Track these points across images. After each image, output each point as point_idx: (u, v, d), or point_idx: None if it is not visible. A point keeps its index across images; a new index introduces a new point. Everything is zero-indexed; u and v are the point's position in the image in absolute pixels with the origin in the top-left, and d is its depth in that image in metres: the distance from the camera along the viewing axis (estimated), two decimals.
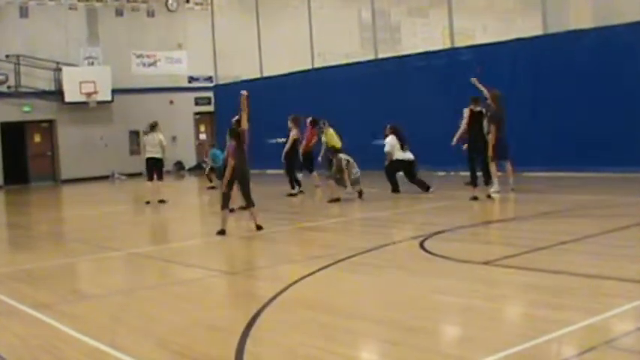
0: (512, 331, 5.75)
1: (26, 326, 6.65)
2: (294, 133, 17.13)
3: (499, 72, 18.19)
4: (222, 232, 11.40)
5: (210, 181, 20.45)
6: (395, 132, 16.05)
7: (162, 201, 17.17)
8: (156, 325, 6.46)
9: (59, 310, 7.12)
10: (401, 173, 16.01)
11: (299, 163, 17.45)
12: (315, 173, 17.84)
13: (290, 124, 17.22)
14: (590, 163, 16.52)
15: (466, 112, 14.50)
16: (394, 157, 15.87)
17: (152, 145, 17.34)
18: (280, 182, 18.21)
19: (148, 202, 17.19)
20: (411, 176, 15.94)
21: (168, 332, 6.16)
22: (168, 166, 29.27)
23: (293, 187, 17.14)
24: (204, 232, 12.11)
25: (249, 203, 11.71)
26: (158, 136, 17.30)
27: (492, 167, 14.52)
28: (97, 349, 5.72)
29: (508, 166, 14.73)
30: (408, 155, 15.93)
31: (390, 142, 15.97)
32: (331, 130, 16.58)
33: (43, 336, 6.27)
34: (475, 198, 13.76)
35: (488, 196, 13.71)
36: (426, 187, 15.63)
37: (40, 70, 27.80)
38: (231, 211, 12.34)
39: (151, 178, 17.42)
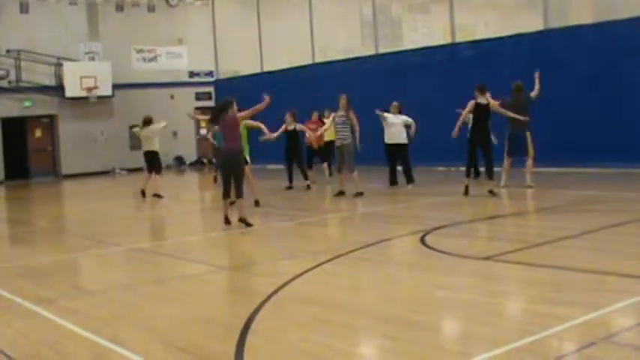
0: (512, 326, 5.76)
1: (27, 321, 6.67)
2: (299, 126, 17.21)
3: (500, 67, 18.21)
4: (226, 222, 11.62)
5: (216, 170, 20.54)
6: (401, 112, 15.93)
7: (157, 195, 17.21)
8: (157, 320, 6.48)
9: (60, 305, 7.14)
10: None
11: (304, 156, 17.60)
12: (325, 165, 18.09)
13: (289, 118, 17.19)
14: (591, 158, 16.53)
15: (470, 104, 14.30)
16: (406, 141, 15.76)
17: (148, 139, 17.51)
18: (280, 177, 18.22)
19: (143, 194, 17.34)
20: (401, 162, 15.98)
21: (169, 327, 6.18)
22: (168, 160, 29.53)
23: (307, 179, 17.24)
24: (204, 227, 12.12)
25: (237, 195, 11.82)
26: (152, 128, 17.53)
27: (504, 162, 14.60)
28: (98, 344, 5.74)
29: (528, 162, 14.58)
30: None
31: (409, 118, 15.75)
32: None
33: (45, 331, 6.29)
34: (466, 188, 13.83)
35: (490, 192, 13.65)
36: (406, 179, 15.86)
37: (41, 65, 27.78)
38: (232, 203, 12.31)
39: (150, 171, 17.62)
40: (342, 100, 14.92)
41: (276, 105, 19.86)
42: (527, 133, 14.36)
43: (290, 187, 17.15)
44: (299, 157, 17.38)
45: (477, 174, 16.16)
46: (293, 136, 17.12)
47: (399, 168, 16.21)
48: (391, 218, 12.39)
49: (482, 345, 5.17)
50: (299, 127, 17.13)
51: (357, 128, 14.75)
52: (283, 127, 16.82)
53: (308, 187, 17.07)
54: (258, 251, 10.34)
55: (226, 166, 11.85)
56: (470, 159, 14.56)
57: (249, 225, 11.56)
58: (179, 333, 5.97)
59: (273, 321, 6.14)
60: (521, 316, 6.13)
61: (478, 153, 14.36)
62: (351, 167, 14.86)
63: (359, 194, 14.76)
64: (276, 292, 7.02)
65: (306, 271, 7.91)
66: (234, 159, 11.70)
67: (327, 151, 18.42)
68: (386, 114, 15.92)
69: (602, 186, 14.65)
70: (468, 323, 5.88)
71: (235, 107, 11.75)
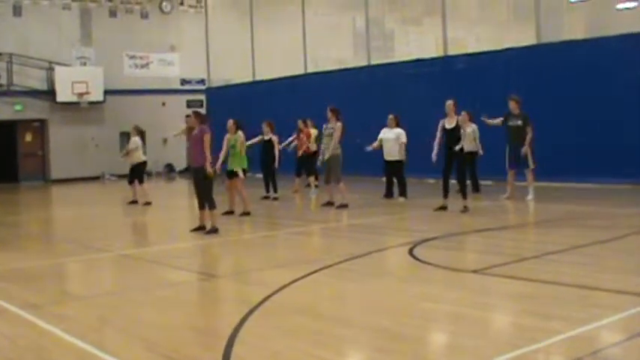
0: (499, 339, 5.77)
1: (14, 326, 6.64)
2: (275, 137, 17.02)
3: (492, 81, 18.27)
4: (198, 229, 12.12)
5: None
6: (399, 124, 15.81)
7: (148, 203, 17.28)
8: (144, 327, 6.46)
9: (47, 311, 7.11)
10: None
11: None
12: (308, 177, 18.10)
13: (266, 128, 17.00)
14: (583, 173, 16.59)
15: (439, 125, 14.10)
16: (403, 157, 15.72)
17: (141, 148, 17.43)
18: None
19: (135, 202, 17.35)
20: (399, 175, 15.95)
21: (155, 334, 6.16)
22: (158, 167, 29.56)
23: (276, 191, 17.15)
24: (193, 234, 12.09)
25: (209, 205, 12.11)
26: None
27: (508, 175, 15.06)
28: (84, 351, 5.71)
29: (529, 175, 14.78)
30: None
31: (403, 133, 15.68)
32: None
33: (31, 336, 6.27)
34: (443, 208, 13.62)
35: (465, 208, 13.55)
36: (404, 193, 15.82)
37: (33, 70, 27.75)
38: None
39: (140, 181, 17.53)
40: (328, 112, 14.94)
41: (267, 114, 19.99)
42: (524, 147, 14.54)
43: (266, 197, 17.12)
44: (272, 167, 17.16)
45: (477, 189, 16.36)
46: (268, 147, 16.97)
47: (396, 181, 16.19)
48: (380, 230, 12.39)
49: (469, 358, 5.18)
50: (274, 138, 16.95)
51: (337, 136, 14.60)
52: (259, 137, 16.92)
53: (275, 198, 17.01)
54: (247, 260, 10.32)
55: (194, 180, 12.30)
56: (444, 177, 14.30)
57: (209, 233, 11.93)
58: (166, 340, 5.96)
59: (260, 330, 6.13)
60: (508, 329, 6.14)
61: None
62: (337, 178, 14.83)
63: (343, 206, 14.73)
64: (264, 301, 7.01)
65: (294, 281, 7.91)
66: (197, 174, 12.10)
67: (312, 163, 18.22)
68: (380, 135, 15.87)
69: (591, 201, 14.71)
70: (455, 336, 5.89)
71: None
